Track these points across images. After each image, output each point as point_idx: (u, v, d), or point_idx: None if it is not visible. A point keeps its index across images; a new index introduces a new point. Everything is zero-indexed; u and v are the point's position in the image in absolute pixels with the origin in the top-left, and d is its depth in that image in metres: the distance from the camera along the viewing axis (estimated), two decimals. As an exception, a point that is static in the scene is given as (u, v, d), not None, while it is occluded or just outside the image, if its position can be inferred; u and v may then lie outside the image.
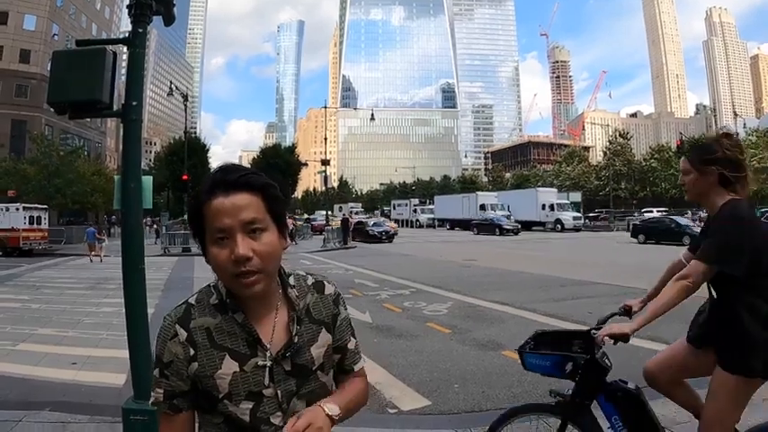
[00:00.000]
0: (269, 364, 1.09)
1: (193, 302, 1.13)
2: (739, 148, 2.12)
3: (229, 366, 1.08)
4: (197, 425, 1.17)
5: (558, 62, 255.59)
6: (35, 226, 23.60)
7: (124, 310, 2.95)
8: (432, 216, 54.80)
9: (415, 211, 59.91)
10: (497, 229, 35.54)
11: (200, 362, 1.08)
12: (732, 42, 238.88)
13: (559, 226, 39.72)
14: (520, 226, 36.73)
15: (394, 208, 65.76)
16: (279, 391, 1.10)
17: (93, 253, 19.83)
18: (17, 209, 22.95)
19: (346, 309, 1.26)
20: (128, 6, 3.04)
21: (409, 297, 9.70)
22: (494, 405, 4.19)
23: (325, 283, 1.24)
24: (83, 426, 3.68)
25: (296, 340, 1.13)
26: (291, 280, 1.19)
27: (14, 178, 32.49)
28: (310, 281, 1.22)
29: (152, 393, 1.12)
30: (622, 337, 2.02)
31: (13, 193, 30.31)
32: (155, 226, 31.30)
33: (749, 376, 1.98)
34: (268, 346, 1.10)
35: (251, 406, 1.08)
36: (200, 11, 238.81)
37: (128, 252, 3.00)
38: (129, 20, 3.09)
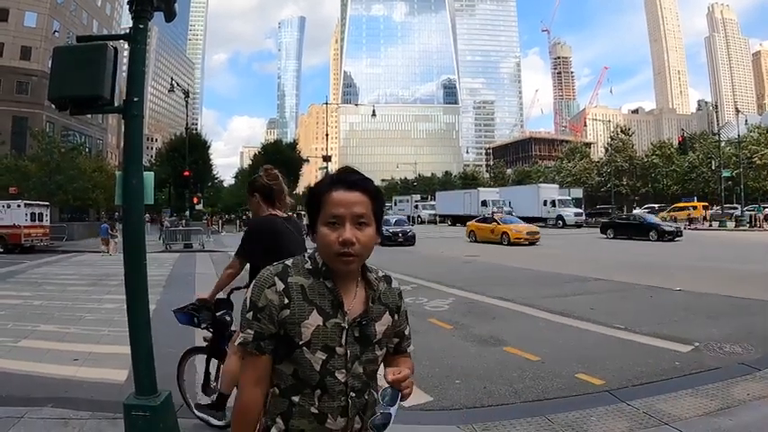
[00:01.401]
0: (345, 325, 1.30)
1: (290, 264, 1.33)
2: (272, 177, 3.11)
3: (315, 319, 1.27)
4: None
5: (559, 58, 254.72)
6: (36, 223, 23.63)
7: (126, 307, 2.95)
8: (433, 212, 54.74)
9: (416, 207, 59.79)
10: (653, 232, 23.30)
11: (291, 310, 1.27)
12: (734, 39, 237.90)
13: (561, 222, 39.56)
14: (682, 227, 27.44)
15: (395, 204, 65.66)
16: (348, 351, 1.30)
17: (105, 247, 20.96)
18: (18, 206, 22.97)
19: (404, 301, 1.50)
20: (128, 2, 3.01)
21: (411, 293, 9.65)
22: (495, 401, 4.20)
23: (392, 278, 1.47)
24: (84, 422, 3.69)
25: (370, 312, 1.35)
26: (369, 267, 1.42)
27: (16, 175, 32.44)
28: (380, 273, 1.45)
29: (241, 334, 1.29)
30: (204, 302, 3.30)
31: (15, 189, 30.22)
32: (164, 224, 30.56)
33: None
34: (347, 312, 1.31)
35: (324, 357, 1.27)
36: (202, 7, 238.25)
37: (129, 248, 3.00)
38: (129, 16, 3.06)
